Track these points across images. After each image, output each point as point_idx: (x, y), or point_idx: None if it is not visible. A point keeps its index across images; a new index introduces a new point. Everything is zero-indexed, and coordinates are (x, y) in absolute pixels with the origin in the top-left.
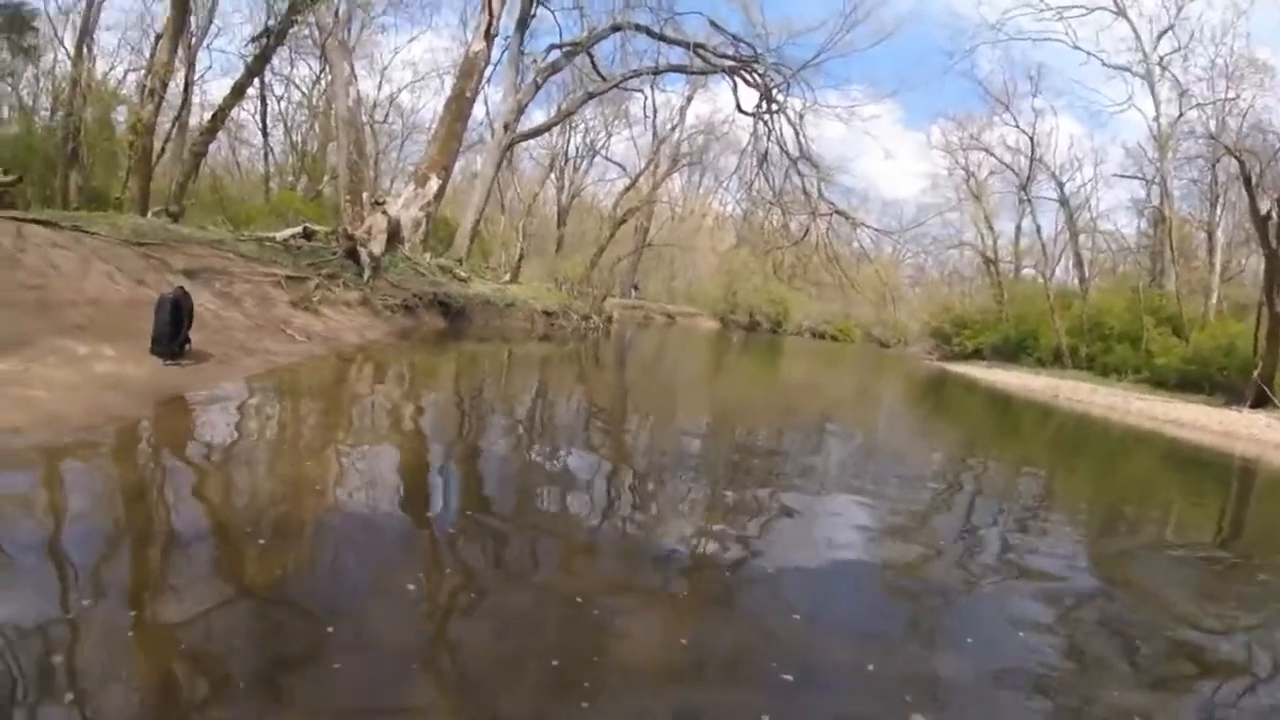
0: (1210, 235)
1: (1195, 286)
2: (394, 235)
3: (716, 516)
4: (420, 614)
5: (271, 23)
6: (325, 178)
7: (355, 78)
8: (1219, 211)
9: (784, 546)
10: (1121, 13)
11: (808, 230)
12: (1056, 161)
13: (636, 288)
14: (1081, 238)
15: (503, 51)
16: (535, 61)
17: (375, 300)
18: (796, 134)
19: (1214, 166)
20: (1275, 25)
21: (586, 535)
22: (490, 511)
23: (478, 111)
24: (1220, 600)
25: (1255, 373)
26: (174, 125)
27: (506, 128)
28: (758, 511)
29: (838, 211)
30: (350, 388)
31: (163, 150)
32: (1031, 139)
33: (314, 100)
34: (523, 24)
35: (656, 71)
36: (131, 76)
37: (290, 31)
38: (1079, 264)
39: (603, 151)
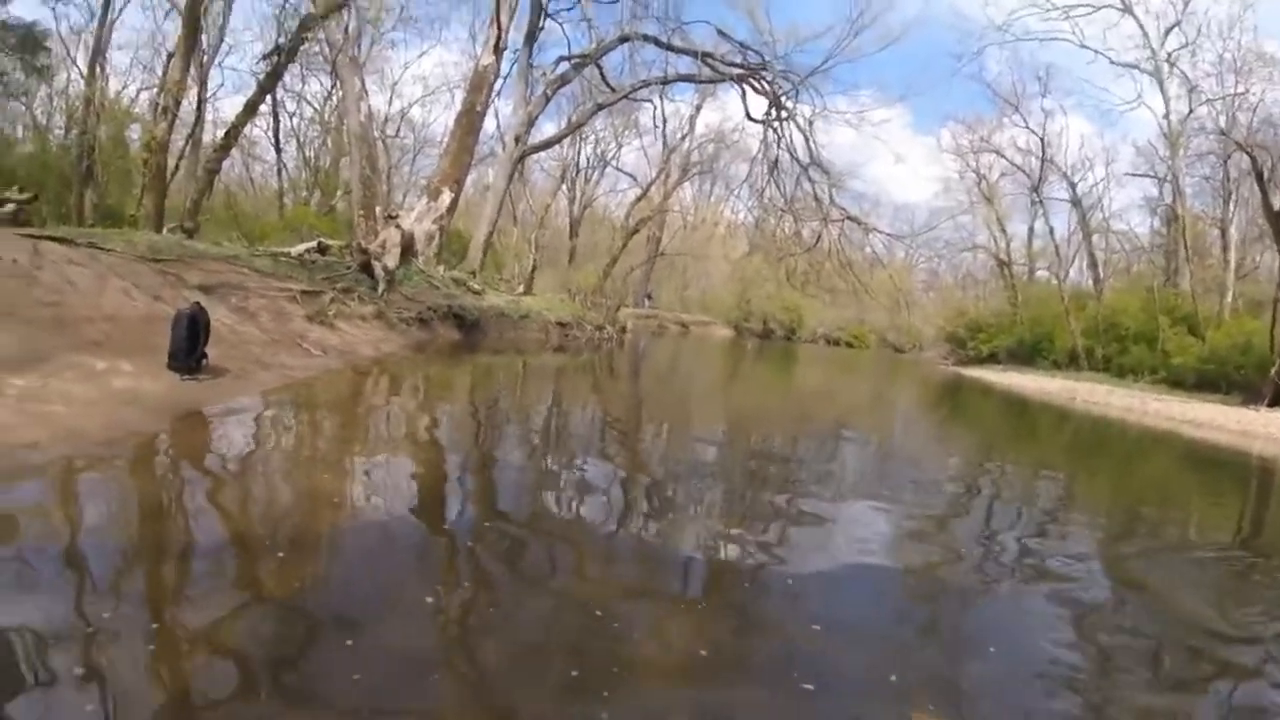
0: (1224, 232)
1: (1210, 284)
2: (408, 249)
3: (734, 523)
4: (439, 625)
5: (282, 40)
6: (338, 192)
7: (366, 93)
8: (1232, 208)
9: (802, 553)
10: (1128, 10)
11: (820, 236)
12: (1068, 162)
13: (650, 297)
14: (1095, 238)
15: (512, 65)
16: (544, 74)
17: (390, 313)
18: (806, 140)
19: (1225, 162)
20: None
21: (604, 544)
22: (507, 521)
23: (488, 125)
24: (1241, 601)
25: (1273, 370)
26: (187, 142)
27: (517, 140)
28: (775, 518)
29: (849, 217)
30: (366, 400)
31: (177, 167)
32: (1042, 140)
33: (326, 116)
34: (531, 37)
35: (665, 81)
36: (144, 95)
37: (301, 49)
38: (1093, 264)
39: (613, 162)
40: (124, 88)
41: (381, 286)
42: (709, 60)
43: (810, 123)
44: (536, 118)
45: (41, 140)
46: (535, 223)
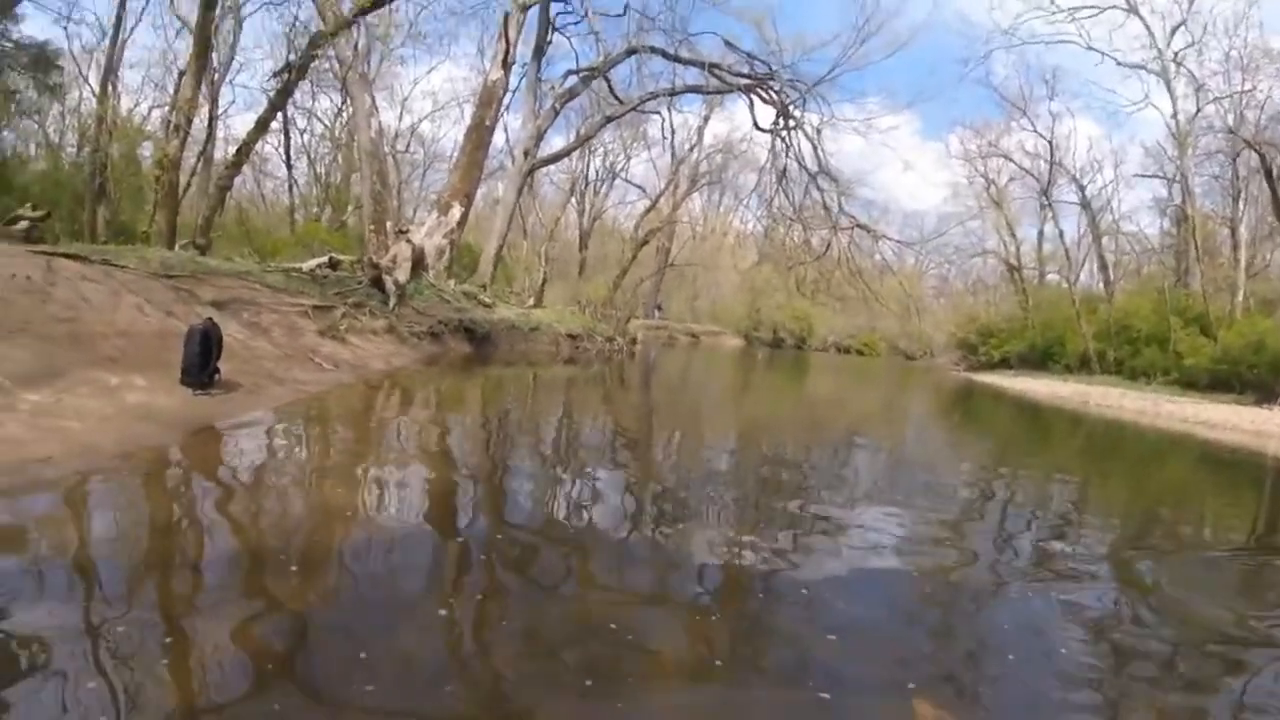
0: (1234, 231)
1: (1221, 284)
2: (418, 263)
3: (746, 530)
4: (453, 636)
5: (292, 57)
6: (349, 208)
7: (376, 109)
8: (1241, 206)
9: (816, 560)
10: (1133, 10)
11: (829, 245)
12: (1076, 164)
13: (660, 308)
14: (1105, 240)
15: (520, 79)
16: (553, 88)
17: (401, 327)
18: (815, 149)
19: (1234, 161)
20: None
21: (617, 553)
22: (519, 531)
23: (498, 139)
24: (1255, 601)
25: None
26: (199, 159)
27: (526, 154)
28: (788, 526)
29: (859, 225)
30: (378, 414)
31: (188, 184)
32: (1050, 143)
33: (336, 132)
34: (539, 51)
35: (673, 93)
36: (156, 112)
37: (311, 65)
38: (1103, 267)
39: (622, 174)
40: (136, 106)
41: (393, 301)
42: (716, 71)
43: (818, 131)
44: (545, 131)
45: (54, 158)
46: (545, 235)
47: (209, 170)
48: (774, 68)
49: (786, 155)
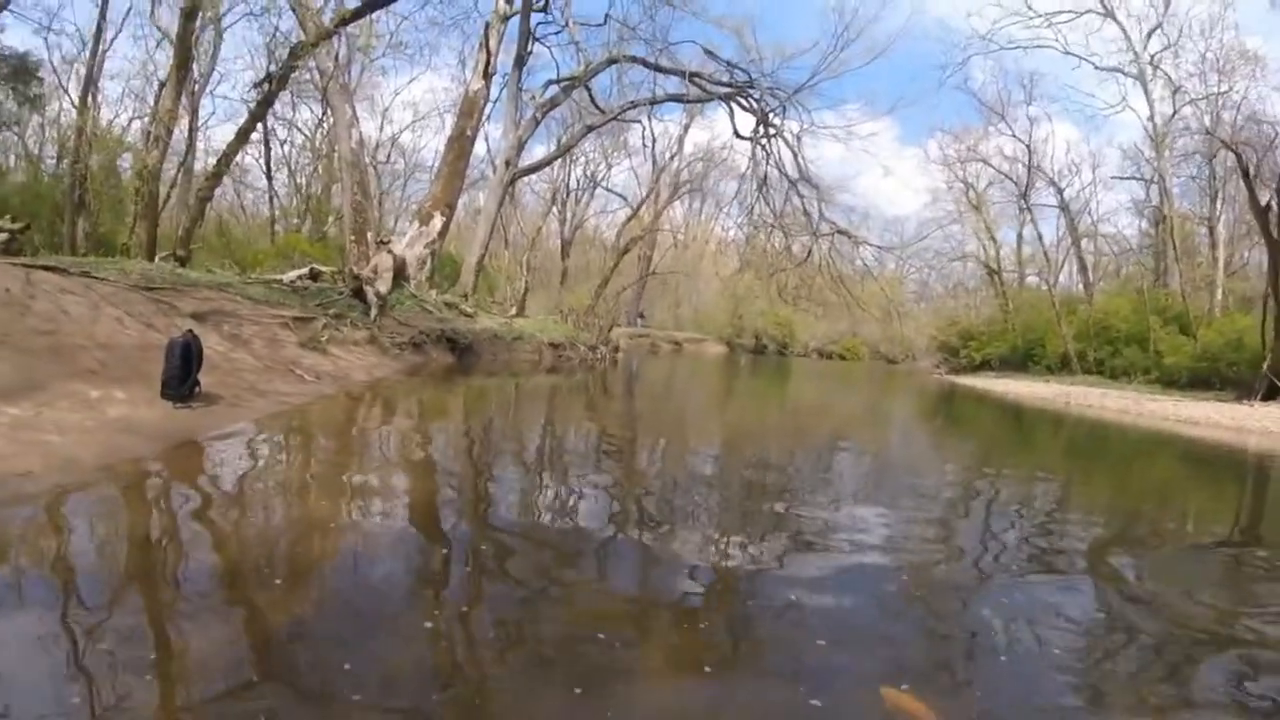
0: (1211, 230)
1: (1200, 283)
2: (400, 273)
3: (732, 533)
4: (439, 647)
5: (273, 68)
6: (330, 219)
7: (357, 120)
8: (1219, 206)
9: (802, 565)
10: (1109, 14)
11: (810, 251)
12: (1054, 168)
13: (642, 316)
14: (1084, 242)
15: (501, 89)
16: (534, 98)
17: (383, 338)
18: (795, 156)
19: (1211, 161)
20: (1263, 13)
21: (603, 560)
22: (504, 541)
23: (479, 149)
24: (1238, 593)
25: (1265, 365)
26: (179, 171)
27: (508, 164)
28: (775, 528)
29: (839, 231)
30: (361, 425)
31: (169, 196)
32: (1028, 147)
33: (317, 143)
34: (520, 61)
35: (654, 102)
36: (136, 124)
37: (292, 76)
38: (1082, 269)
39: (603, 183)
40: (116, 117)
41: (374, 311)
42: (696, 80)
43: (798, 138)
44: (526, 141)
45: (34, 169)
46: (527, 245)
47: (189, 181)
48: (754, 76)
49: (767, 163)
